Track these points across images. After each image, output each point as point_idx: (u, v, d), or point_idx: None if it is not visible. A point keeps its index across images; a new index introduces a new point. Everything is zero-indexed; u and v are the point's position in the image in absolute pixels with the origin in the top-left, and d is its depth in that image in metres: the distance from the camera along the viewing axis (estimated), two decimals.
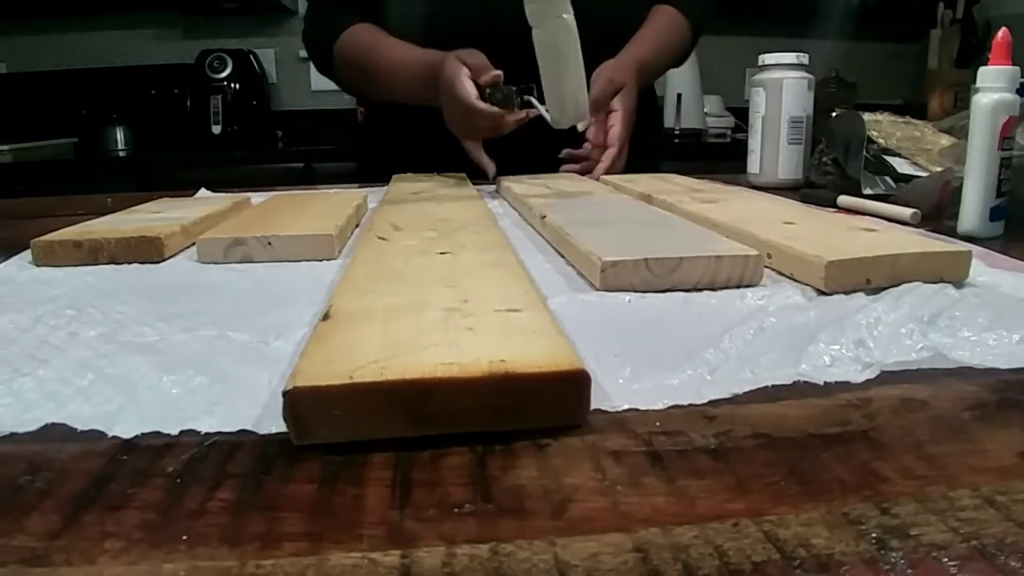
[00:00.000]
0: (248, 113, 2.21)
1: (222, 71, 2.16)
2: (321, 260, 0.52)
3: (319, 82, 2.37)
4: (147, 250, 0.52)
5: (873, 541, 0.20)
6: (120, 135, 2.23)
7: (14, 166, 1.90)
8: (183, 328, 0.37)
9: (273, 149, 2.24)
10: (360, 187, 0.79)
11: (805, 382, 0.30)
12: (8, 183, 1.79)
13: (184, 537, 0.20)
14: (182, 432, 0.26)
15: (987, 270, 0.45)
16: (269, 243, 0.52)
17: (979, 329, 0.34)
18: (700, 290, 0.42)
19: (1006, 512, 0.21)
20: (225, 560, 0.19)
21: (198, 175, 1.12)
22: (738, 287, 0.43)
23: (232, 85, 2.16)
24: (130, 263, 0.52)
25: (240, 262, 0.52)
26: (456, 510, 0.22)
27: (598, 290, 0.42)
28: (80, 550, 0.20)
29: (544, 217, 0.58)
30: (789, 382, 0.30)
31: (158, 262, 0.53)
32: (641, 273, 0.42)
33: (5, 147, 1.89)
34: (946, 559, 0.19)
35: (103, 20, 2.28)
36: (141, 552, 0.20)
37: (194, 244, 0.54)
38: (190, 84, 2.20)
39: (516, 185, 0.77)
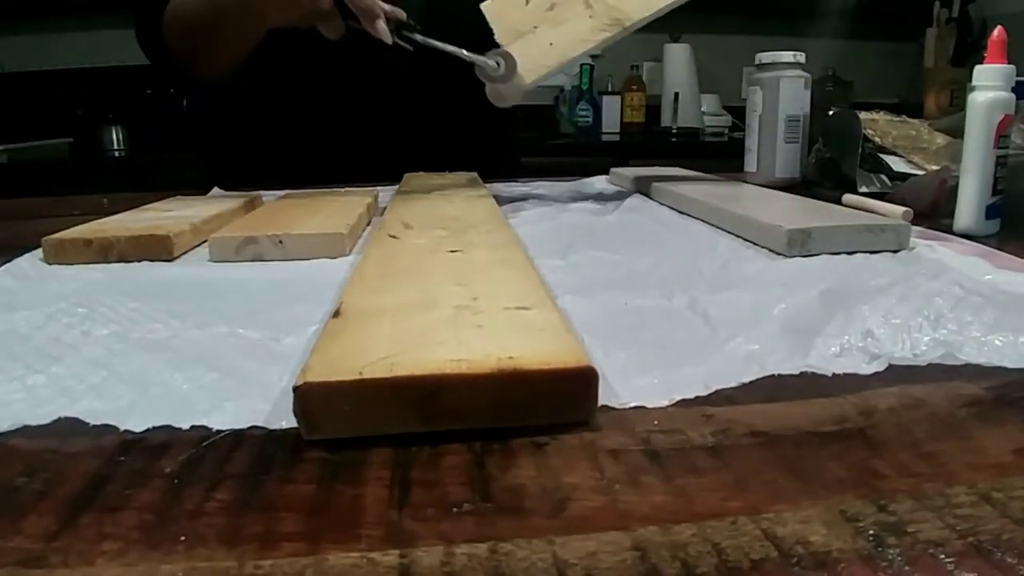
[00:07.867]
0: None
1: None
2: (332, 258, 0.52)
3: None
4: (157, 248, 0.52)
5: (870, 538, 0.20)
6: (116, 135, 2.22)
7: (9, 166, 1.89)
8: (194, 325, 0.37)
9: None
10: (371, 186, 0.79)
11: (805, 379, 0.30)
12: (3, 183, 1.78)
13: (182, 538, 0.20)
14: (186, 430, 0.26)
15: (992, 269, 0.45)
16: (280, 241, 0.52)
17: (986, 328, 0.34)
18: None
19: (1003, 509, 0.21)
20: (223, 561, 0.19)
21: (194, 175, 1.13)
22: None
23: None
24: (140, 261, 0.52)
25: (251, 260, 0.52)
26: (455, 509, 0.22)
27: (786, 254, 0.49)
28: (77, 551, 0.20)
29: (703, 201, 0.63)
30: (796, 372, 0.31)
31: (169, 260, 0.52)
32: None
33: (0, 147, 1.89)
34: (943, 556, 0.19)
35: (99, 20, 2.27)
36: (139, 553, 0.20)
37: (205, 242, 0.54)
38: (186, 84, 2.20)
39: (661, 183, 0.76)
